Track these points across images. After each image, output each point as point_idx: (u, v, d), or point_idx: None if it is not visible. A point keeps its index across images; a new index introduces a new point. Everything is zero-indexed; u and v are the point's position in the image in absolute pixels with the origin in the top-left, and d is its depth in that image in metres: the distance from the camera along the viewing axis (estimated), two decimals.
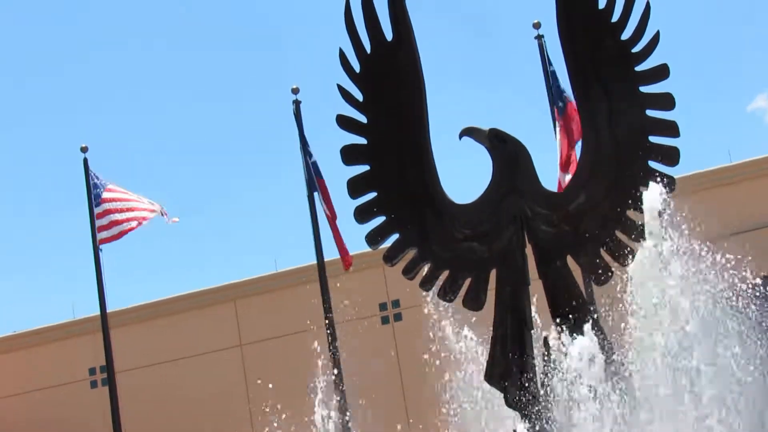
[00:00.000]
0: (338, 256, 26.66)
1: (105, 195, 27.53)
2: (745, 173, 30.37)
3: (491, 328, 14.83)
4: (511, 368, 14.45)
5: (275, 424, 21.38)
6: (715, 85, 50.93)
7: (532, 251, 14.90)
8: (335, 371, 25.75)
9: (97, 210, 27.43)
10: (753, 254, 14.87)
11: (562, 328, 14.29)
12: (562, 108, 24.76)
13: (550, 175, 24.13)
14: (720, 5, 50.95)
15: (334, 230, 26.24)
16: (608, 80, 14.78)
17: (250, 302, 33.19)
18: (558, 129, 24.89)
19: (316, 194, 26.33)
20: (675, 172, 14.67)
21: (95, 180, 27.64)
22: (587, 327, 14.04)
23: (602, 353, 13.85)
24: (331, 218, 26.12)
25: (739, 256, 13.95)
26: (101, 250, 27.53)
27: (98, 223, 27.40)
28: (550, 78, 25.24)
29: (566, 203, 14.92)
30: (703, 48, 51.31)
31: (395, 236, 15.12)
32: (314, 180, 26.18)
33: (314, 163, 26.32)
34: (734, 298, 13.61)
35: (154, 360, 33.29)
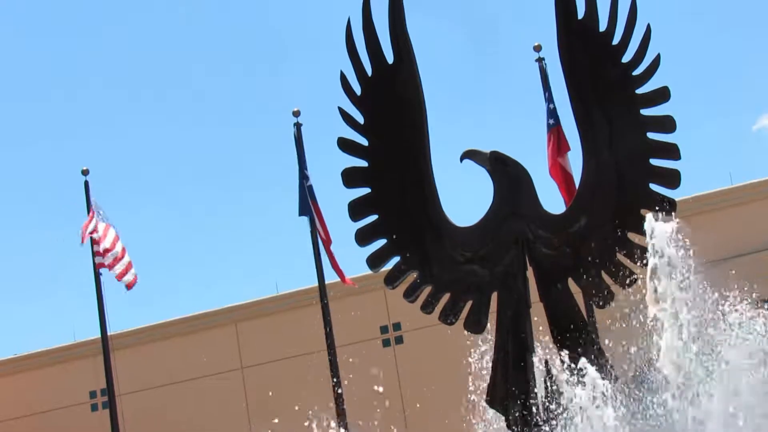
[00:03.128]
0: (338, 278, 26.70)
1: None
2: (745, 196, 30.37)
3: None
4: (513, 391, 14.42)
5: None
6: (720, 106, 50.86)
7: (533, 274, 14.88)
8: (336, 394, 25.70)
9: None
10: (752, 278, 14.85)
11: (562, 351, 14.28)
12: (552, 125, 24.93)
13: (552, 198, 24.15)
14: (724, 24, 50.97)
15: (329, 254, 26.32)
16: (609, 103, 14.76)
17: (251, 325, 33.15)
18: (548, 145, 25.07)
19: (307, 218, 26.33)
20: (676, 194, 14.66)
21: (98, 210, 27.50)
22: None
23: (604, 376, 13.81)
24: (326, 242, 26.19)
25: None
26: (102, 274, 27.44)
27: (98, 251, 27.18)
28: (547, 101, 25.34)
29: (567, 226, 14.89)
30: (707, 68, 51.31)
31: (396, 259, 15.13)
32: (309, 203, 26.23)
33: (309, 187, 26.36)
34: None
35: (154, 383, 33.23)
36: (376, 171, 15.09)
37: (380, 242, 15.12)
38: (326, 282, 27.20)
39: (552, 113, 24.93)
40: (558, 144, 24.73)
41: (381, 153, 15.06)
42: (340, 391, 25.65)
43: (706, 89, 50.46)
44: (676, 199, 14.60)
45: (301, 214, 26.46)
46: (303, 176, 26.51)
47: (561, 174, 24.57)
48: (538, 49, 25.68)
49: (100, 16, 56.25)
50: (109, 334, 27.95)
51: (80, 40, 56.25)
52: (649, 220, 14.07)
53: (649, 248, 13.92)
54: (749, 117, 55.05)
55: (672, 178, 14.60)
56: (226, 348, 33.03)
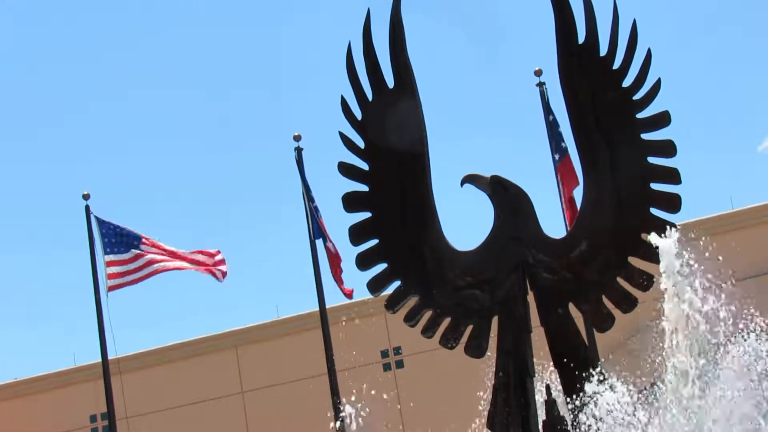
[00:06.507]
0: (339, 302, 26.65)
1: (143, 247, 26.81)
2: (745, 220, 30.38)
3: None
4: (513, 415, 14.38)
5: None
6: (724, 126, 50.67)
7: (534, 298, 14.86)
8: (336, 419, 25.61)
9: (126, 255, 26.83)
10: (755, 303, 14.80)
11: (563, 375, 14.26)
12: (558, 161, 24.78)
13: (553, 222, 24.08)
14: (727, 46, 50.95)
15: (335, 270, 25.99)
16: (610, 127, 14.75)
17: (252, 349, 33.13)
18: (558, 181, 24.86)
19: (319, 241, 26.21)
20: (677, 218, 14.63)
21: (110, 227, 27.33)
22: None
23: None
24: (334, 258, 25.93)
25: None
26: (107, 296, 27.08)
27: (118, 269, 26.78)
28: (550, 127, 25.25)
29: (568, 250, 14.86)
30: (711, 88, 51.21)
31: (397, 283, 15.12)
32: (318, 225, 26.12)
33: (315, 207, 26.30)
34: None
35: (155, 407, 33.17)
36: (377, 195, 15.11)
37: (381, 266, 15.12)
38: (327, 306, 27.13)
39: (560, 137, 24.71)
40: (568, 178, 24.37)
41: (381, 177, 15.08)
42: (340, 416, 25.56)
43: (709, 111, 50.39)
44: (677, 223, 14.59)
45: (316, 237, 26.34)
46: (309, 198, 26.45)
47: (572, 208, 24.21)
48: (538, 73, 25.69)
49: (101, 43, 56.44)
50: (109, 358, 27.88)
51: (82, 65, 56.40)
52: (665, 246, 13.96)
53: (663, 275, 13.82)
54: (754, 138, 54.86)
55: (673, 203, 14.58)
56: (227, 372, 32.99)
